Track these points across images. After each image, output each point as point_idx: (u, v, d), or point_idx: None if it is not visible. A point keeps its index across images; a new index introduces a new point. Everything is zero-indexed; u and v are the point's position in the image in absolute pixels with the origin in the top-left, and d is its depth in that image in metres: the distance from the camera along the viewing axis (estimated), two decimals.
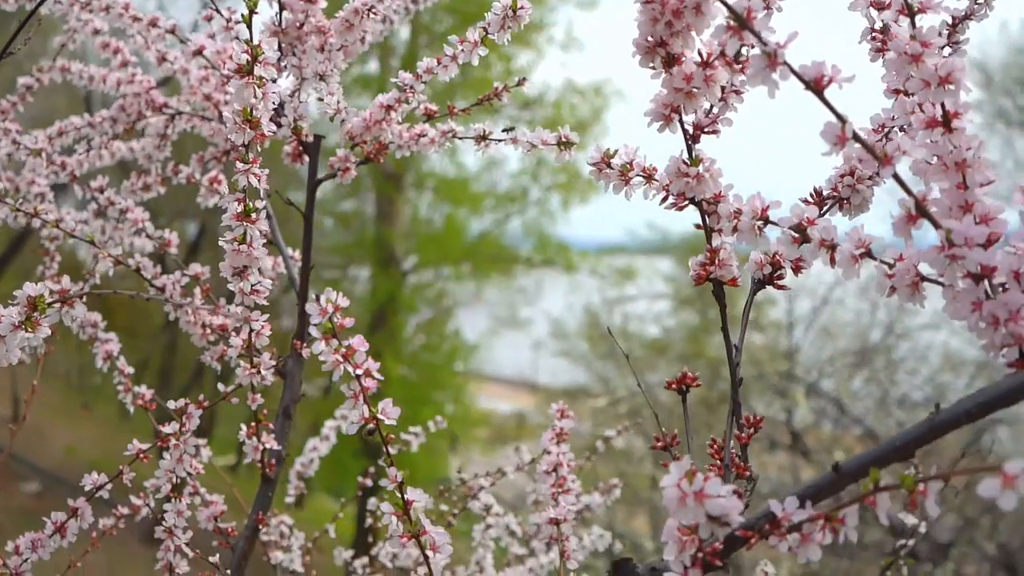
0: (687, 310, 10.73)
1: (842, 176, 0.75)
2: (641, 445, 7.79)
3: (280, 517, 1.44)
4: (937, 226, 0.56)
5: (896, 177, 0.56)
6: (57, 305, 0.72)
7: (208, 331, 1.09)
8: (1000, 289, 0.57)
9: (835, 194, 0.75)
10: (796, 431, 5.79)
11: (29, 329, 0.71)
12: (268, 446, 1.05)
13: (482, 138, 1.03)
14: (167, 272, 1.19)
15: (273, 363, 0.98)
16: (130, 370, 1.17)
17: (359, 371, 0.68)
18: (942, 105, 0.59)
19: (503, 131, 1.02)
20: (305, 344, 1.03)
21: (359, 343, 0.68)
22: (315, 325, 0.67)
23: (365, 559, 1.43)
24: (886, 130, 0.76)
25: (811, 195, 0.76)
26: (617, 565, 0.64)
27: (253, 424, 1.04)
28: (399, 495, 0.70)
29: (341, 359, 0.68)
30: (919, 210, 0.56)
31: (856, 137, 0.55)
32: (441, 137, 1.05)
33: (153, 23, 1.17)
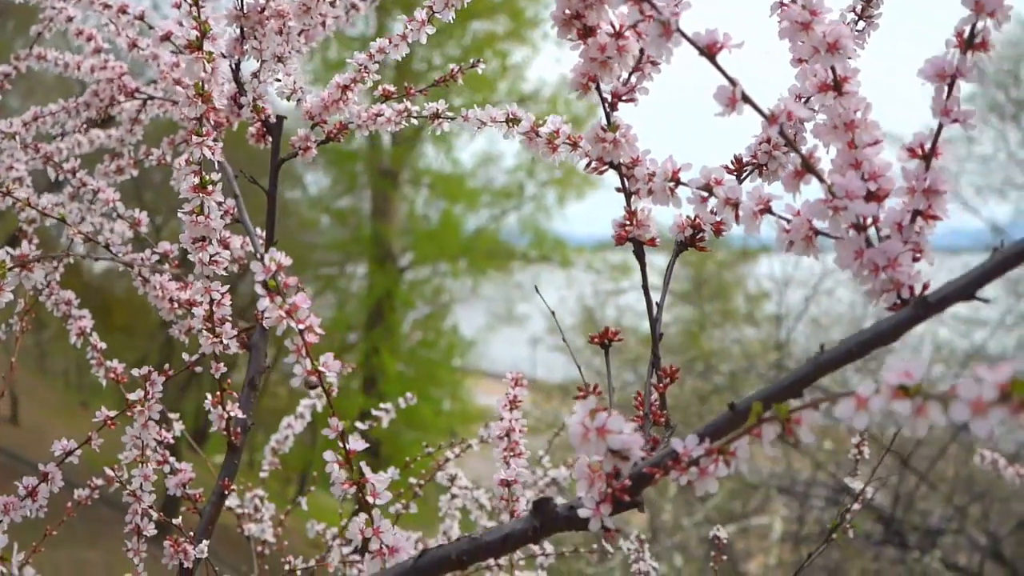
0: (682, 304, 10.78)
1: (760, 143, 0.79)
2: None
3: (254, 491, 1.48)
4: (822, 180, 0.60)
5: (783, 135, 0.60)
6: (16, 269, 0.77)
7: (175, 305, 1.14)
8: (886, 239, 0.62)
9: (754, 160, 0.79)
10: None
11: None
12: (233, 415, 1.09)
13: (435, 116, 1.07)
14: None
15: (235, 332, 1.03)
16: (103, 345, 1.21)
17: (302, 326, 0.72)
18: (832, 69, 0.63)
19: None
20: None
21: (301, 300, 0.73)
22: (259, 282, 0.71)
23: (335, 529, 1.48)
24: (803, 99, 0.80)
25: (731, 161, 0.80)
26: (537, 504, 0.68)
27: (218, 393, 1.08)
28: (341, 445, 0.75)
29: (284, 315, 0.72)
30: (805, 166, 0.61)
31: (745, 99, 0.59)
32: (397, 116, 1.10)
33: (122, 10, 1.21)
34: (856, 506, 1.20)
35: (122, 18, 1.23)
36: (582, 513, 0.64)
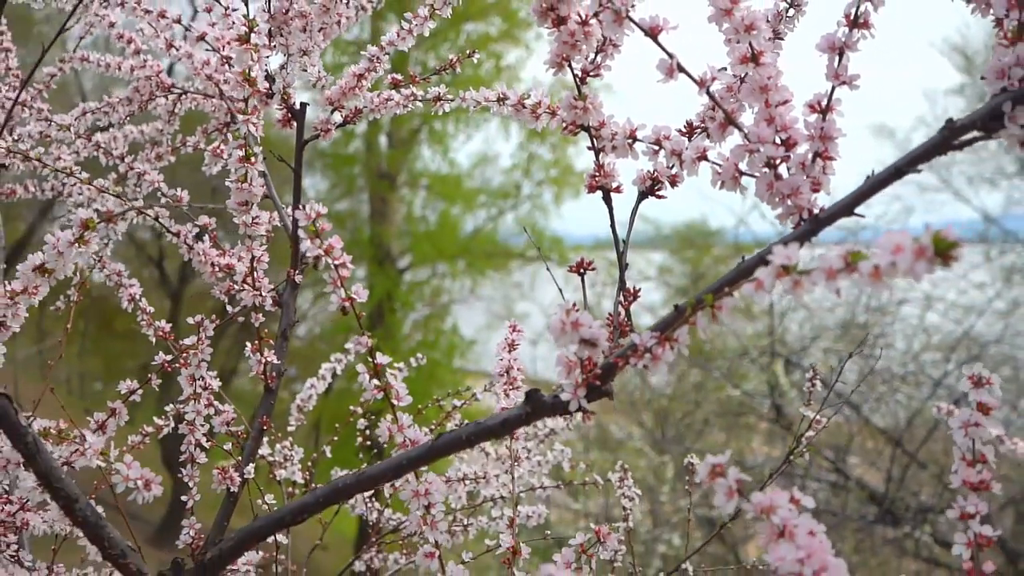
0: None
1: (707, 111, 0.97)
2: (639, 433, 8.05)
3: (283, 442, 1.66)
4: (740, 130, 0.78)
5: (710, 95, 0.78)
6: (103, 224, 0.94)
7: (216, 269, 1.31)
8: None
9: (702, 125, 0.97)
10: (778, 404, 6.01)
11: (81, 244, 0.93)
12: (270, 360, 1.26)
13: (438, 99, 1.25)
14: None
15: (272, 287, 1.20)
16: (151, 309, 1.38)
17: (337, 262, 0.90)
18: (750, 45, 0.81)
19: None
20: (299, 272, 1.25)
21: (336, 241, 0.90)
22: (302, 227, 0.89)
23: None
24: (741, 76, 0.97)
25: (684, 126, 0.97)
26: (528, 394, 0.86)
27: (257, 341, 1.26)
28: (370, 359, 0.92)
29: (323, 253, 0.90)
30: (728, 120, 0.78)
31: (680, 68, 0.77)
32: (404, 100, 1.27)
33: (162, 15, 1.39)
34: (811, 433, 1.37)
35: (161, 22, 1.41)
36: (564, 397, 0.81)
